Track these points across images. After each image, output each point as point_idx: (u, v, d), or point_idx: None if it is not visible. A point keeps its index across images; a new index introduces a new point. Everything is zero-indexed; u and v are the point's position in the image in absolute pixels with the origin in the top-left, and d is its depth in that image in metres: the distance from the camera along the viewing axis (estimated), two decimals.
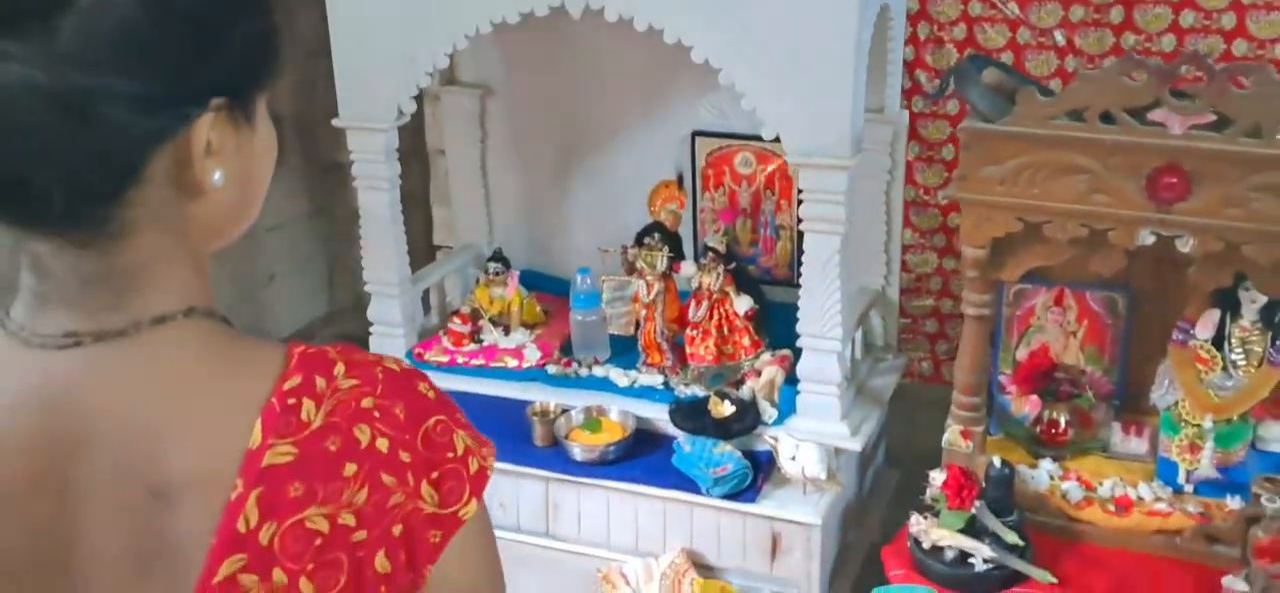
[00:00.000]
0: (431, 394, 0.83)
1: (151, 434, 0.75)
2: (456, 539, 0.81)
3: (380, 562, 0.77)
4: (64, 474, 0.74)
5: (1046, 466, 2.39)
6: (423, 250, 3.45)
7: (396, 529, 0.78)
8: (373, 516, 0.76)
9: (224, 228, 0.83)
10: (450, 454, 0.81)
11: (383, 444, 0.77)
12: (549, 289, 3.04)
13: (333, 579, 0.75)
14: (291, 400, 0.76)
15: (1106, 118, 2.05)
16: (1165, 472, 2.34)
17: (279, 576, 0.73)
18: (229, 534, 0.73)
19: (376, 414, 0.78)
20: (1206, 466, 2.30)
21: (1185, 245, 2.08)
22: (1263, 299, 2.25)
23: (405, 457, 0.78)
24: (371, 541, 0.76)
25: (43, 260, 0.76)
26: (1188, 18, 2.64)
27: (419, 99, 3.19)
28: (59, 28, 0.68)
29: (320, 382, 0.77)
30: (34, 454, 0.75)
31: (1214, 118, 2.00)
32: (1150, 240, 2.09)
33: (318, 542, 0.74)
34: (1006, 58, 2.77)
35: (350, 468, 0.76)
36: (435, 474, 0.80)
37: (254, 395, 0.76)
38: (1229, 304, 2.30)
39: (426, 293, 3.01)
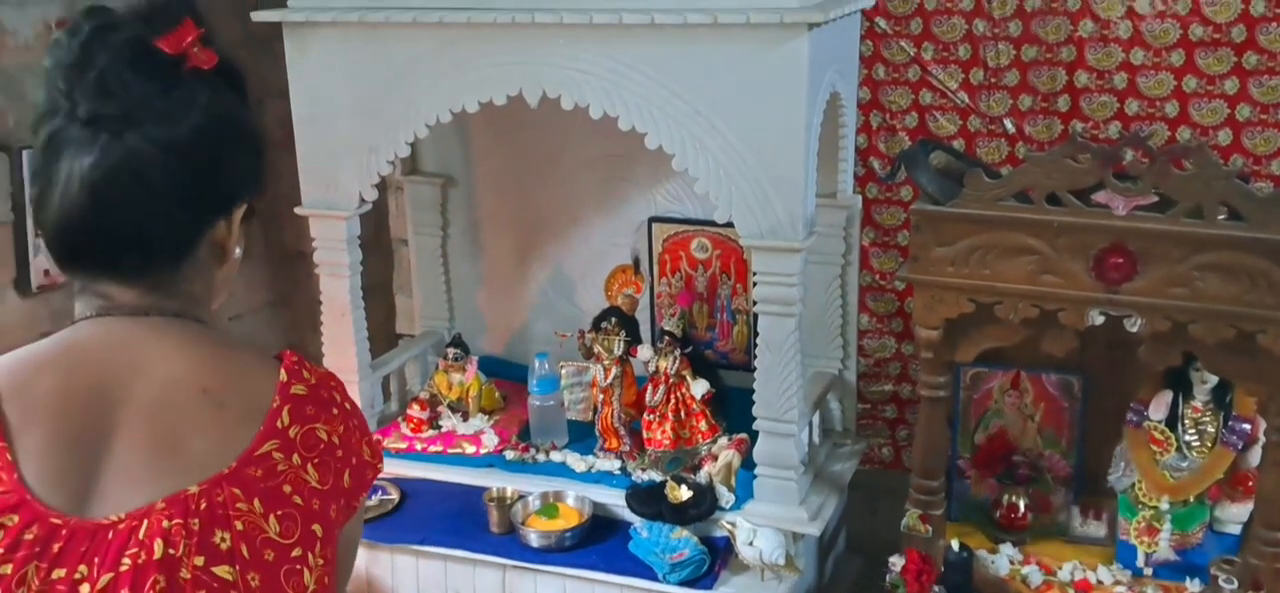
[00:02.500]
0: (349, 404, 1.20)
1: (207, 362, 1.09)
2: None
3: (346, 478, 1.12)
4: (129, 378, 1.05)
5: (1007, 550, 2.38)
6: (386, 339, 3.44)
7: (353, 460, 1.13)
8: (345, 444, 1.12)
9: (226, 286, 1.19)
10: (370, 430, 1.22)
11: (347, 405, 1.15)
12: (508, 375, 3.03)
13: (326, 477, 1.09)
14: (295, 364, 1.12)
15: (1053, 200, 2.08)
16: (1124, 555, 2.33)
17: (296, 458, 1.07)
18: (271, 426, 1.07)
19: (340, 390, 1.16)
20: (1165, 548, 2.30)
21: (1133, 325, 2.10)
22: (1213, 380, 2.27)
23: (355, 422, 1.15)
24: (343, 460, 1.11)
25: (111, 294, 1.08)
26: (1133, 106, 2.71)
27: (382, 189, 3.22)
28: (180, 126, 1.05)
29: (306, 367, 1.13)
30: (107, 363, 1.06)
31: (1157, 198, 2.04)
32: (1100, 320, 2.11)
33: (321, 445, 1.09)
34: (959, 145, 2.82)
35: (334, 410, 1.13)
36: (368, 439, 1.18)
37: (271, 361, 1.12)
38: (1181, 385, 2.32)
39: (387, 380, 3.00)
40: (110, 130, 1.02)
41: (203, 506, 1.01)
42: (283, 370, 1.11)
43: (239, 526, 1.01)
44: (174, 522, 0.99)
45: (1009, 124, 2.81)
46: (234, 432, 1.05)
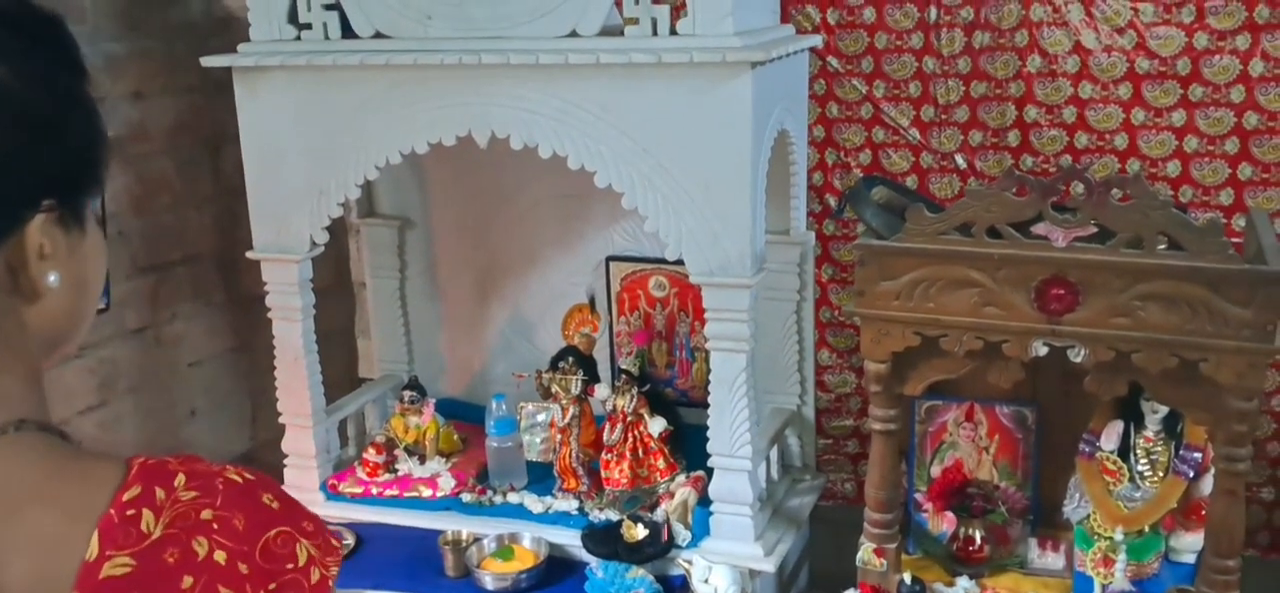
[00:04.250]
0: (275, 504, 0.82)
1: None
2: None
3: None
4: None
5: (964, 583, 2.37)
6: (350, 384, 3.43)
7: None
8: None
9: (59, 334, 0.83)
10: (290, 565, 0.80)
11: (221, 556, 0.76)
12: (468, 416, 3.02)
13: None
14: (130, 512, 0.74)
15: (994, 233, 2.10)
16: (1081, 586, 2.32)
17: None
18: None
19: (215, 526, 0.76)
20: (1120, 578, 2.29)
21: (1077, 356, 2.11)
22: (1164, 409, 2.28)
23: (243, 569, 0.76)
24: None
25: None
26: (1082, 139, 2.73)
27: (342, 233, 3.22)
28: None
29: (160, 493, 0.76)
30: None
31: (1096, 229, 2.06)
32: (1044, 351, 2.12)
33: None
34: (912, 181, 2.84)
35: (187, 581, 0.74)
36: (273, 586, 0.78)
37: (91, 507, 0.74)
38: (1132, 415, 2.33)
39: (344, 424, 2.98)
40: None
41: None
42: (95, 538, 0.73)
43: None
44: None
45: (960, 160, 2.84)
46: None
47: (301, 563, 0.80)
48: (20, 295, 0.78)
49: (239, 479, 0.82)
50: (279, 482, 1.11)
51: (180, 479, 0.78)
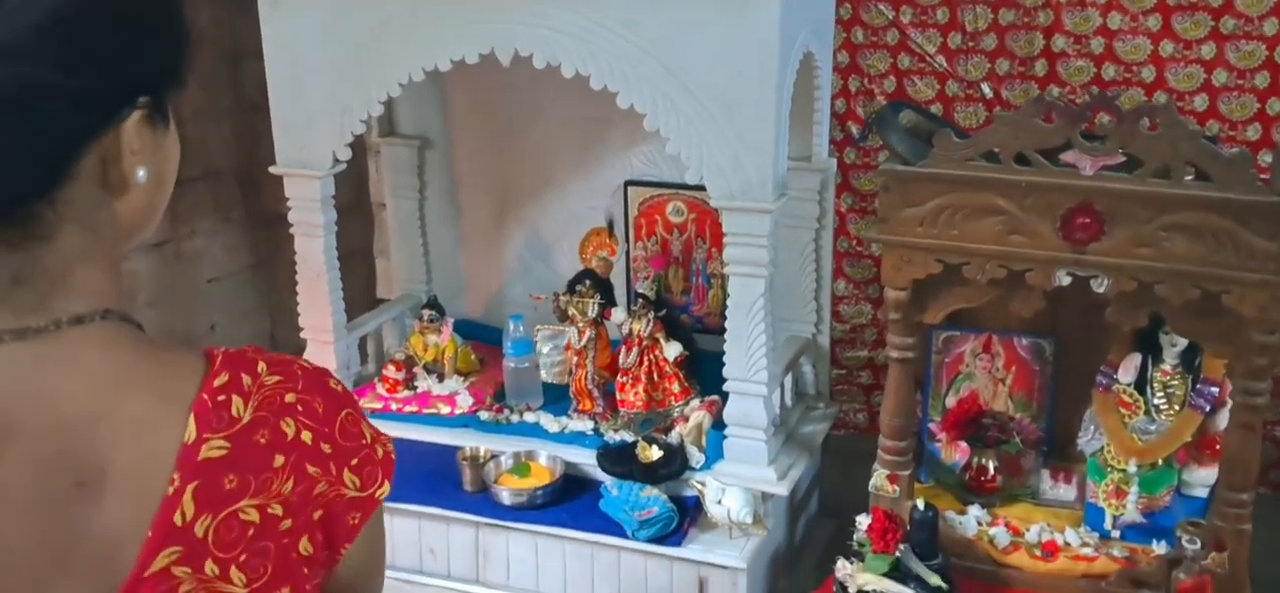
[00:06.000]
0: (339, 389, 0.87)
1: (78, 429, 0.75)
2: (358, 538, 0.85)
3: (303, 546, 0.80)
4: None
5: (975, 511, 2.38)
6: (367, 303, 3.44)
7: (317, 514, 0.81)
8: (298, 504, 0.79)
9: (139, 227, 0.84)
10: (363, 441, 0.85)
11: (307, 436, 0.80)
12: (485, 337, 3.04)
13: (261, 567, 0.78)
14: (221, 397, 0.77)
15: (1022, 160, 2.08)
16: (1092, 517, 2.33)
17: (211, 567, 0.75)
18: (165, 526, 0.74)
19: (299, 408, 0.81)
20: (1132, 510, 2.30)
21: (1100, 285, 2.10)
22: (1182, 343, 2.27)
23: (326, 448, 0.81)
24: (296, 527, 0.79)
25: None
26: (1109, 70, 2.71)
27: (362, 153, 3.21)
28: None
29: (246, 379, 0.79)
30: None
31: (1124, 159, 2.04)
32: (1067, 281, 2.11)
33: (250, 532, 0.77)
34: (936, 109, 2.81)
35: (279, 460, 0.78)
36: (354, 461, 0.83)
37: (183, 392, 0.77)
38: (1150, 348, 2.32)
39: (364, 342, 3.00)
40: None
41: None
42: (191, 421, 0.76)
43: None
44: None
45: (986, 88, 2.81)
46: (116, 548, 0.74)
47: (368, 440, 0.86)
48: (109, 189, 0.79)
49: (310, 366, 0.86)
50: None
51: (262, 366, 0.81)
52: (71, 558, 0.74)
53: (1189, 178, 2.00)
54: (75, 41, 0.74)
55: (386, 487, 0.86)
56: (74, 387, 0.76)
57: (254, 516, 0.77)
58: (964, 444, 2.49)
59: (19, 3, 0.71)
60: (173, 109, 0.85)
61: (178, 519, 0.74)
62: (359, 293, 3.43)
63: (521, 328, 2.77)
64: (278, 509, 0.78)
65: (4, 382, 0.75)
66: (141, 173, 0.80)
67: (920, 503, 2.25)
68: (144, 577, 0.74)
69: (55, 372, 0.76)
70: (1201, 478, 2.38)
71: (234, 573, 0.76)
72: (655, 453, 2.48)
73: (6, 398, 0.74)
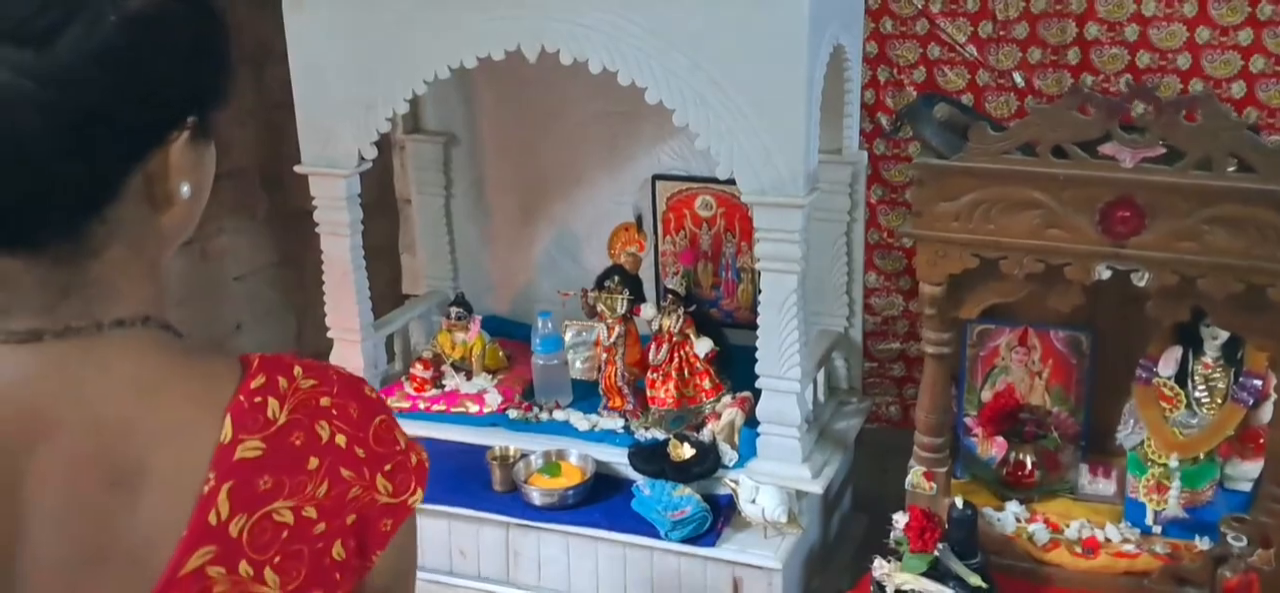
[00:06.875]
0: (373, 395, 0.89)
1: (116, 427, 0.76)
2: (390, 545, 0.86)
3: (336, 550, 0.81)
4: (17, 466, 0.75)
5: (1013, 507, 2.35)
6: (392, 300, 3.43)
7: (350, 519, 0.82)
8: (332, 508, 0.80)
9: (176, 236, 0.87)
10: (397, 448, 0.86)
11: (341, 440, 0.81)
12: (513, 334, 3.02)
13: (295, 570, 0.78)
14: (258, 399, 0.79)
15: (1059, 153, 2.04)
16: (1133, 513, 2.30)
17: (245, 568, 0.76)
18: (200, 526, 0.75)
19: (334, 411, 0.82)
20: (1173, 506, 2.27)
21: (1141, 280, 2.06)
22: (1223, 335, 2.23)
23: (360, 452, 0.82)
24: (330, 531, 0.80)
25: (11, 275, 0.77)
26: (1144, 58, 2.66)
27: (386, 149, 3.20)
28: (57, 45, 0.72)
29: (282, 382, 0.81)
30: None
31: (1164, 151, 2.00)
32: (1106, 275, 2.08)
33: (284, 534, 0.78)
34: (967, 99, 2.77)
35: (313, 462, 0.79)
36: (388, 467, 0.84)
37: (220, 395, 0.79)
38: (1191, 341, 2.28)
39: (391, 340, 2.99)
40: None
41: None
42: (228, 422, 0.77)
43: None
44: None
45: (1018, 78, 2.77)
46: (150, 550, 0.75)
47: (402, 447, 0.87)
48: (154, 205, 0.81)
49: (345, 372, 0.88)
50: None
51: (298, 370, 0.83)
52: (105, 556, 0.75)
53: (1231, 169, 1.96)
54: (131, 70, 0.76)
55: (419, 494, 0.87)
56: (112, 387, 0.78)
57: (288, 518, 0.78)
58: (1001, 439, 2.45)
59: (79, 32, 0.73)
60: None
61: (212, 519, 0.75)
62: (384, 289, 3.41)
63: (550, 325, 2.76)
64: (312, 512, 0.79)
65: (44, 379, 0.77)
66: (186, 189, 0.82)
67: (959, 501, 2.22)
68: (178, 577, 0.75)
69: (94, 372, 0.78)
70: (1245, 472, 2.34)
71: (268, 575, 0.77)
72: (687, 451, 2.46)
73: (45, 395, 0.76)
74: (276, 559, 0.77)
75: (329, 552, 0.80)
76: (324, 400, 0.82)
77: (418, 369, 2.82)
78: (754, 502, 2.37)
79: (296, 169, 2.68)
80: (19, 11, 0.72)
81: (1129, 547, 2.24)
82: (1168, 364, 2.29)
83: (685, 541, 2.37)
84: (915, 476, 2.33)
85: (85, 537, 0.75)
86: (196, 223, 0.89)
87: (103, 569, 0.75)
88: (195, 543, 0.75)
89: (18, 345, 0.77)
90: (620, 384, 2.68)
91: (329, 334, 2.79)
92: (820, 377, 2.62)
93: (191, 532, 0.75)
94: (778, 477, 2.40)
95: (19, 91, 0.71)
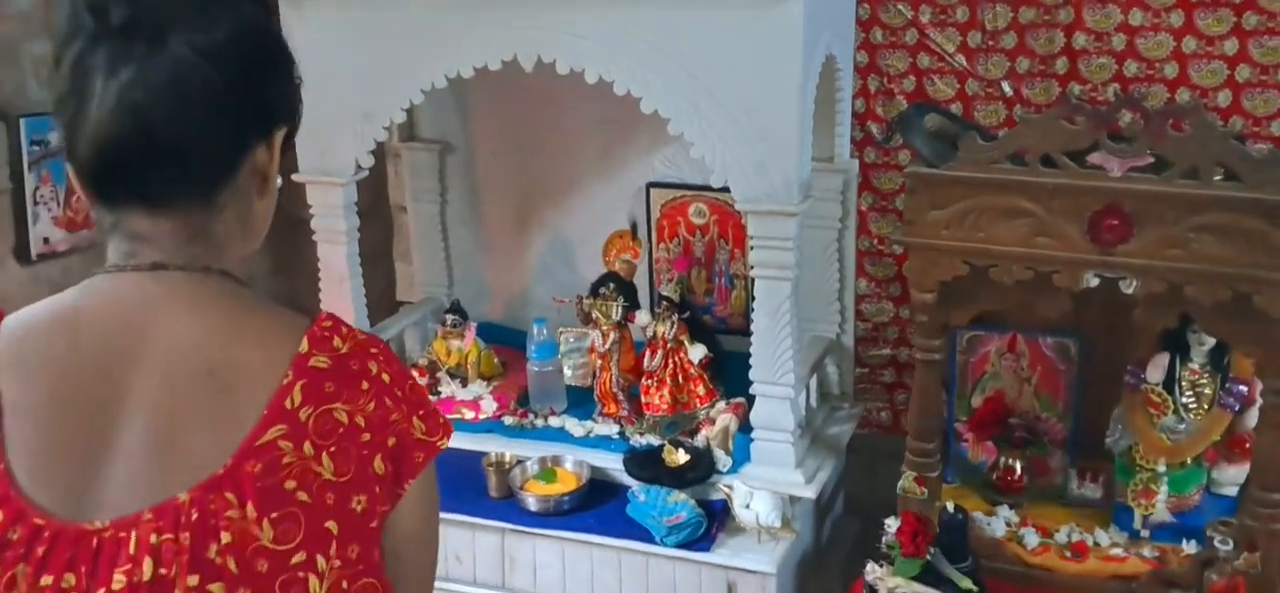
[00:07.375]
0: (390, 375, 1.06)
1: (218, 334, 0.98)
2: (418, 484, 1.02)
3: (377, 464, 0.98)
4: (127, 365, 0.95)
5: (1004, 512, 2.38)
6: (387, 307, 3.45)
7: (391, 441, 0.99)
8: (377, 424, 0.98)
9: (261, 232, 1.07)
10: (429, 402, 1.06)
11: (386, 377, 1.01)
12: (508, 341, 3.04)
13: (345, 466, 0.96)
14: (326, 333, 1.00)
15: (1048, 162, 2.07)
16: (1121, 517, 2.33)
17: (308, 447, 0.95)
18: (278, 407, 0.95)
19: (382, 359, 1.02)
20: (1161, 510, 2.30)
21: (1129, 286, 2.09)
22: (1211, 341, 2.26)
23: (399, 393, 1.01)
24: (373, 443, 0.98)
25: (143, 231, 0.99)
26: (1131, 68, 2.69)
27: (381, 157, 3.21)
28: (215, 31, 0.96)
29: (344, 328, 1.02)
30: (112, 334, 0.97)
31: (1152, 160, 2.03)
32: (1095, 283, 2.11)
33: (340, 430, 0.96)
34: (957, 108, 2.81)
35: (365, 385, 0.99)
36: (422, 411, 1.03)
37: (298, 325, 1.00)
38: (1178, 347, 2.31)
39: None
40: (148, 37, 0.93)
41: (194, 515, 0.91)
42: (305, 340, 0.98)
43: (226, 537, 0.91)
44: (163, 536, 0.90)
45: (1007, 87, 2.80)
46: (237, 420, 0.94)
47: (431, 406, 1.06)
48: (256, 187, 1.03)
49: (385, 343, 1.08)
50: None
51: (349, 328, 1.03)
52: (203, 417, 0.94)
53: (1217, 178, 2.00)
54: (258, 51, 1.00)
55: (446, 441, 1.04)
56: (215, 307, 0.99)
57: (344, 418, 0.96)
58: (991, 444, 2.49)
59: (218, 14, 0.96)
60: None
61: (288, 404, 0.95)
62: (378, 296, 3.43)
63: (545, 331, 2.78)
64: (361, 421, 0.97)
65: (160, 299, 0.98)
66: (279, 179, 1.05)
67: (950, 506, 2.25)
68: (256, 445, 0.93)
69: (205, 294, 0.99)
70: (1231, 477, 2.37)
71: (325, 460, 0.95)
72: (682, 457, 2.49)
73: (160, 313, 0.97)
74: (332, 449, 0.95)
75: (371, 462, 0.97)
76: (373, 349, 1.02)
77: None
78: (748, 507, 2.39)
79: (294, 177, 2.69)
80: (187, 5, 0.95)
81: (1117, 551, 2.27)
82: (1155, 370, 2.32)
83: (680, 546, 2.39)
84: (907, 480, 2.35)
85: (168, 423, 0.94)
86: (267, 228, 1.08)
87: (200, 426, 0.94)
88: (273, 420, 0.95)
89: (143, 273, 0.99)
90: (615, 390, 2.70)
91: None
92: (812, 383, 2.65)
93: (270, 410, 0.95)
94: (771, 482, 2.43)
95: (193, 68, 0.93)
